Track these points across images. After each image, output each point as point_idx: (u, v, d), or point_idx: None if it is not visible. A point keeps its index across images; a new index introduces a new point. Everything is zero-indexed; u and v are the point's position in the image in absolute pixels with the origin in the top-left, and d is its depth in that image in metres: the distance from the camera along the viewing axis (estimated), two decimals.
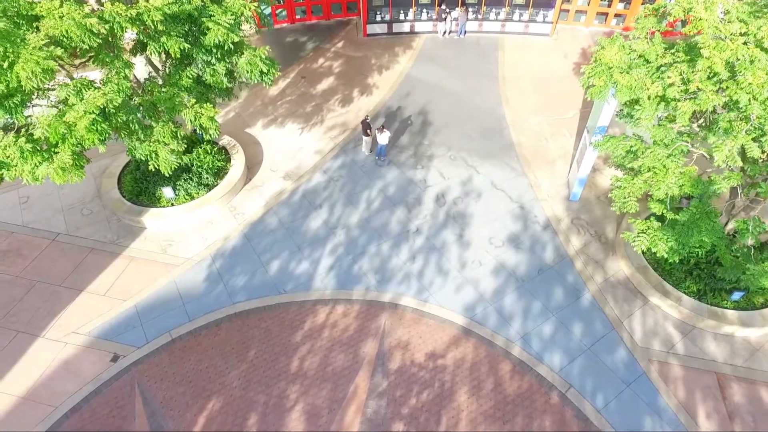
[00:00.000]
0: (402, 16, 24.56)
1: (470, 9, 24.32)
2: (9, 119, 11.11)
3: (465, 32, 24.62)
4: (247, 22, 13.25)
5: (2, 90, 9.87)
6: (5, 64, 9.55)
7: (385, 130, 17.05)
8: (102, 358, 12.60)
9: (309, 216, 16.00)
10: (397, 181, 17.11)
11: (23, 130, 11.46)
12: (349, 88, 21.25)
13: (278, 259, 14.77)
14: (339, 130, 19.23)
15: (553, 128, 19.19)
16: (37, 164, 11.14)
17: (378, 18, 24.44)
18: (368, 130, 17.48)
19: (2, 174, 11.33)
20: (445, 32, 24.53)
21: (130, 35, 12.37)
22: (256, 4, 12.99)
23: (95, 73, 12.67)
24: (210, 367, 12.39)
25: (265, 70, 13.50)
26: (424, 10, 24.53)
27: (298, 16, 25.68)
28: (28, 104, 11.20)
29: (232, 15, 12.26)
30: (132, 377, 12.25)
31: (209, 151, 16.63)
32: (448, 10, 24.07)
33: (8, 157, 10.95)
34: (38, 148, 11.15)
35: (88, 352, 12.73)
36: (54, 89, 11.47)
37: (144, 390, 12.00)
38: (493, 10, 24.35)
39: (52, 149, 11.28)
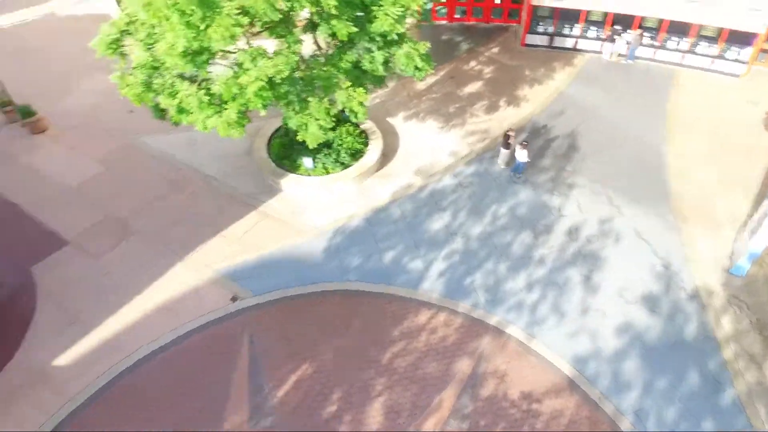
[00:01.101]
0: (567, 31, 23.19)
1: (647, 33, 22.18)
2: (195, 72, 12.52)
3: (635, 58, 22.57)
4: (412, 16, 13.44)
5: (196, 47, 11.09)
6: (202, 26, 10.70)
7: (526, 146, 16.30)
8: (224, 295, 13.83)
9: (432, 216, 15.93)
10: (529, 203, 16.29)
11: (204, 83, 12.84)
12: (497, 96, 20.67)
13: (394, 250, 14.94)
14: (479, 136, 18.82)
15: (726, 184, 16.72)
16: (209, 115, 12.45)
17: (540, 29, 23.37)
18: (509, 143, 16.85)
19: (181, 118, 12.87)
20: (612, 54, 22.71)
21: (304, 14, 13.22)
22: (423, 1, 13.09)
23: (267, 42, 13.74)
24: (310, 334, 12.94)
25: (419, 66, 13.63)
26: (593, 28, 22.89)
27: (457, 15, 25.53)
28: (211, 62, 12.52)
29: (401, 7, 12.49)
30: (245, 320, 13.26)
31: (351, 133, 17.32)
32: (621, 30, 22.20)
33: (189, 104, 12.41)
34: (212, 102, 12.47)
35: (214, 286, 14.06)
36: (234, 53, 12.69)
37: (252, 335, 12.92)
38: (674, 38, 21.93)
39: (223, 105, 12.53)
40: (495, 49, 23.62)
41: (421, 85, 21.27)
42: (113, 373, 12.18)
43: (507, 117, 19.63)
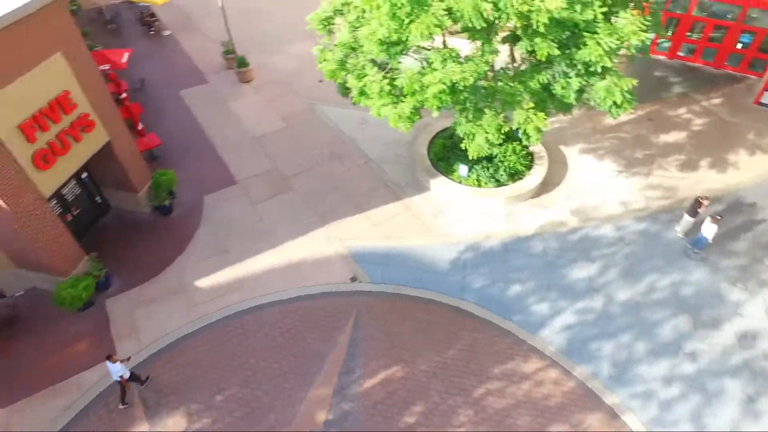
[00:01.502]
0: None
1: None
2: (386, 61, 12.93)
3: None
4: (628, 51, 11.95)
5: (395, 38, 11.36)
6: (406, 21, 10.88)
7: (719, 221, 13.72)
8: (346, 272, 14.45)
9: (576, 263, 14.46)
10: (700, 286, 13.77)
11: (390, 73, 13.20)
12: (699, 154, 17.74)
13: (522, 285, 13.97)
14: (661, 193, 16.43)
15: None
16: (385, 104, 12.84)
17: None
18: (697, 211, 14.36)
19: (361, 100, 13.48)
20: None
21: (509, 25, 12.65)
22: (648, 36, 11.46)
23: (463, 42, 13.52)
24: (411, 338, 12.85)
25: (619, 102, 12.16)
26: None
27: (680, 53, 22.38)
28: (404, 54, 12.77)
29: (617, 39, 11.17)
30: (357, 302, 13.69)
31: (517, 152, 16.45)
32: None
33: (370, 89, 12.89)
34: (392, 92, 12.78)
35: (341, 260, 14.75)
36: (429, 50, 12.76)
37: (358, 319, 13.30)
38: None
39: (401, 98, 12.76)
40: (716, 100, 20.24)
41: (610, 120, 19.19)
42: (234, 309, 13.57)
43: (704, 180, 16.76)
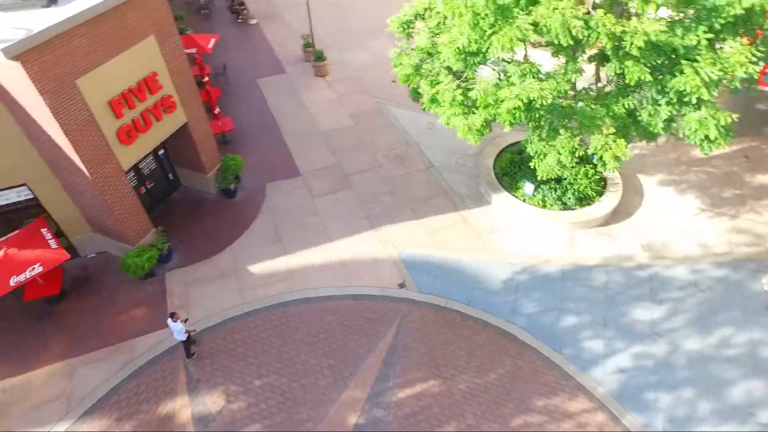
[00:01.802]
0: None
1: None
2: (462, 70, 12.58)
3: None
4: (730, 84, 10.77)
5: (474, 49, 11.00)
6: (489, 32, 10.48)
7: None
8: (395, 277, 14.32)
9: (640, 302, 13.47)
10: None
11: (465, 83, 12.85)
12: None
13: (577, 317, 13.21)
14: (749, 239, 14.94)
15: None
16: (456, 114, 12.53)
17: None
18: None
19: (431, 107, 13.25)
20: None
21: (598, 43, 11.88)
22: (756, 68, 10.27)
23: (545, 55, 12.88)
24: (453, 355, 12.54)
25: (712, 137, 11.06)
26: None
27: None
28: (482, 64, 12.36)
29: (720, 70, 10.10)
30: (401, 309, 13.54)
31: (589, 176, 15.53)
32: None
33: (442, 97, 12.61)
34: (464, 103, 12.43)
35: (390, 265, 14.64)
36: (509, 62, 12.28)
37: (401, 326, 13.14)
38: None
39: (473, 109, 12.38)
40: None
41: (698, 152, 17.66)
42: (281, 299, 13.81)
43: None
